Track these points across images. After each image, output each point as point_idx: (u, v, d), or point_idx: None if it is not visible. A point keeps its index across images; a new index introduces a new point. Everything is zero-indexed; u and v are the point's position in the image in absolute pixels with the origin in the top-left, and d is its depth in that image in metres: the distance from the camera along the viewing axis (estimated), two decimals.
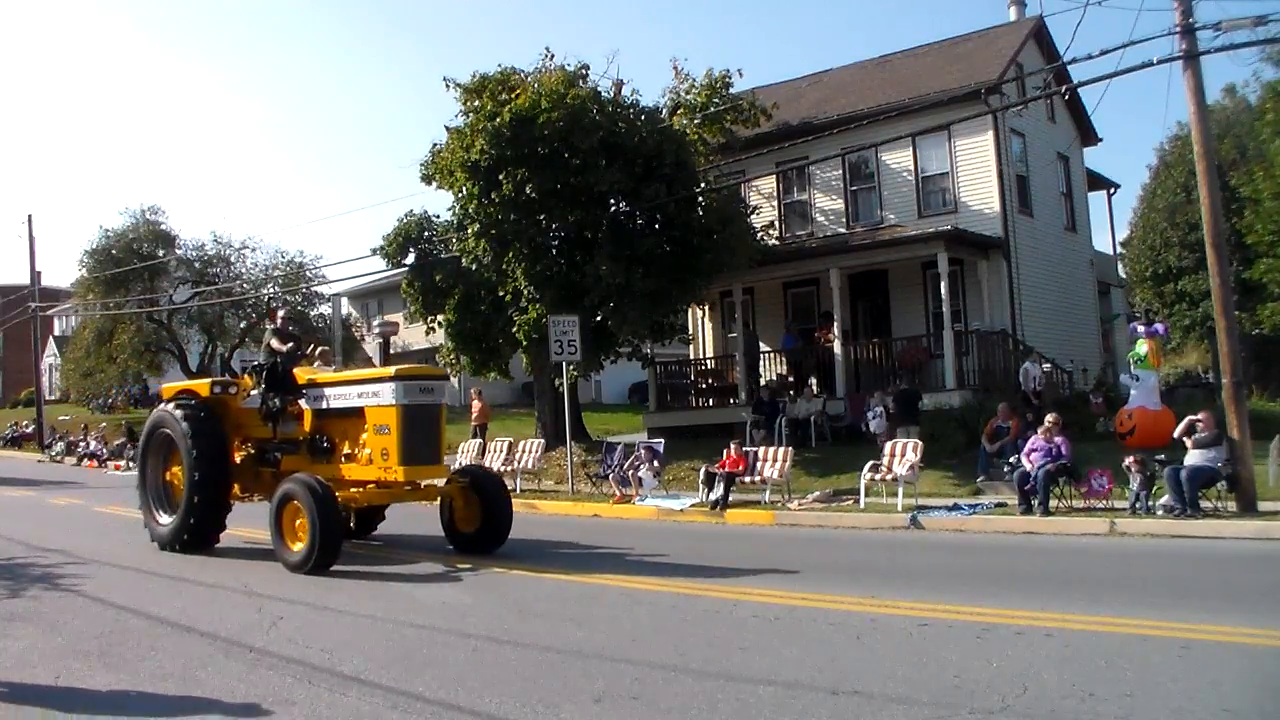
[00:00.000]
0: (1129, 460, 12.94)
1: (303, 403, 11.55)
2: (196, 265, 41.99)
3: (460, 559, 10.65)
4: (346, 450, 11.12)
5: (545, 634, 6.98)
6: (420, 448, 10.48)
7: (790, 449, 16.60)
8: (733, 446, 16.36)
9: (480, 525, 11.08)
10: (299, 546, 9.79)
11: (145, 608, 8.21)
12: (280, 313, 12.60)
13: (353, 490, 10.78)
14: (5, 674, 6.20)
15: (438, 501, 11.51)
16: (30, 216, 40.28)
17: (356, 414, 10.92)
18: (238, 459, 12.01)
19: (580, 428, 22.54)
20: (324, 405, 11.33)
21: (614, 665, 6.06)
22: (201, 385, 12.56)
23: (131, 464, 29.24)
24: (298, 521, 9.85)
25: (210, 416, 11.78)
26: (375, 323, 16.63)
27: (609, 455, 18.57)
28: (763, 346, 23.71)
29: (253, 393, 11.94)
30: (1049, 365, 20.04)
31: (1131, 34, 20.72)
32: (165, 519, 11.85)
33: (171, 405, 11.96)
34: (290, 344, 11.85)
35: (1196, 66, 12.79)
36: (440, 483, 11.47)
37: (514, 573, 9.66)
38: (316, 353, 12.44)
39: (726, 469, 15.75)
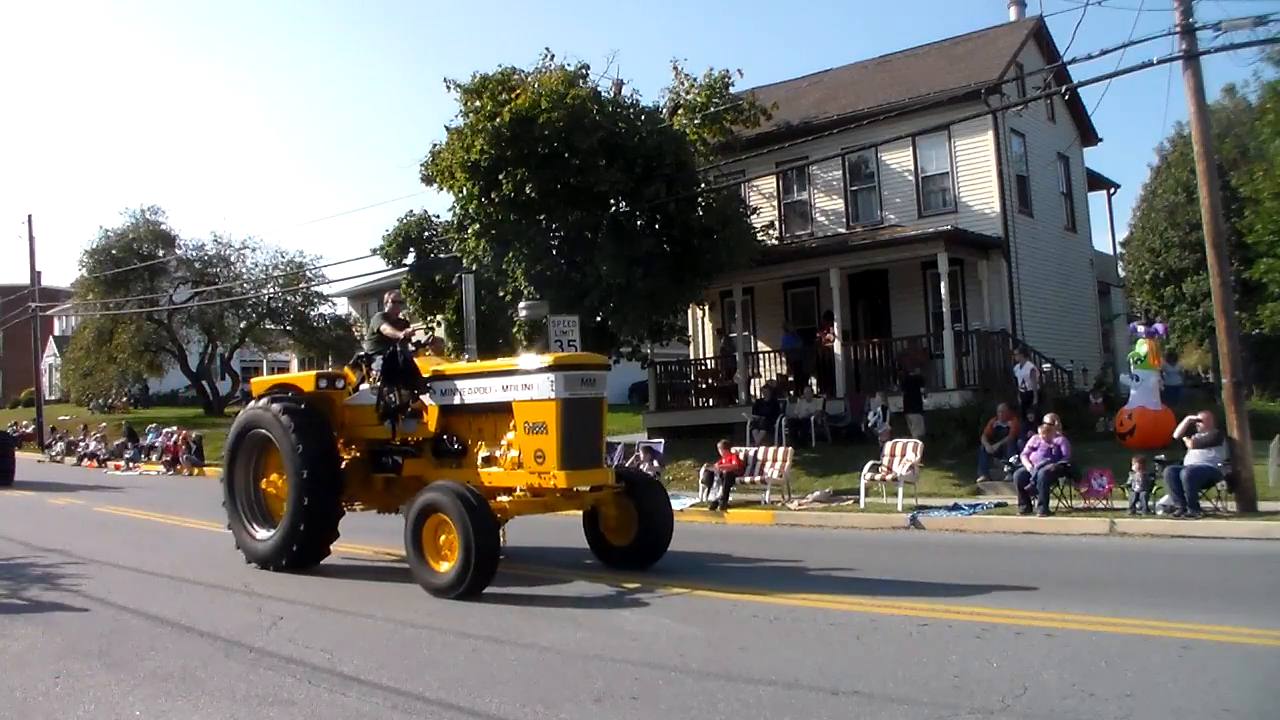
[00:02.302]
0: (1136, 461, 12.92)
1: (426, 398, 10.11)
2: (196, 265, 42.00)
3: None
4: (484, 452, 9.69)
5: (545, 633, 6.98)
6: (582, 449, 9.06)
7: (790, 449, 16.61)
8: (720, 445, 16.36)
9: (636, 537, 9.69)
10: (446, 567, 8.44)
11: (145, 608, 8.21)
12: (389, 296, 11.22)
13: (501, 499, 9.17)
14: (5, 674, 6.21)
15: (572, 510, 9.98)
16: (30, 216, 40.29)
17: (500, 410, 9.51)
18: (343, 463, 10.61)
19: None
20: (456, 400, 9.90)
21: (614, 665, 6.06)
22: (304, 379, 11.06)
23: (131, 464, 29.39)
24: (443, 538, 8.54)
25: (317, 415, 10.30)
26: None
27: (609, 455, 18.54)
28: (763, 346, 23.73)
29: (363, 387, 10.59)
30: (1048, 365, 20.04)
31: (1131, 34, 20.72)
32: (263, 533, 10.38)
33: (269, 402, 10.38)
34: (408, 330, 10.44)
35: (1196, 66, 12.80)
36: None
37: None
38: (427, 340, 10.84)
39: (726, 468, 15.75)
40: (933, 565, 9.80)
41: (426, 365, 10.26)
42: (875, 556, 10.81)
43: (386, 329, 10.36)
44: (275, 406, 10.18)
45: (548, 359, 9.32)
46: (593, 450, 9.27)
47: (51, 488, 22.44)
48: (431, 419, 10.09)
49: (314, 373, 11.16)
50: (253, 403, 10.91)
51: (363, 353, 10.79)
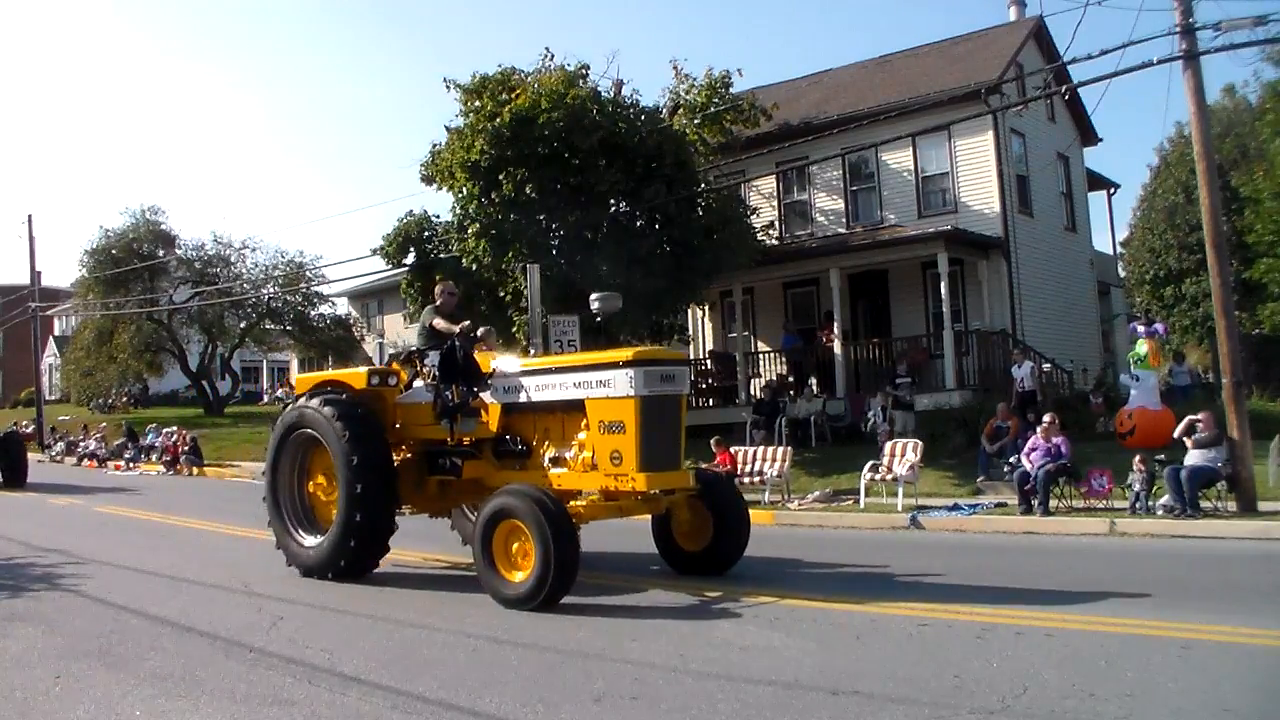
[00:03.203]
0: (1138, 461, 12.91)
1: (487, 395, 9.47)
2: (196, 265, 42.01)
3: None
4: (552, 453, 9.16)
5: (545, 633, 6.98)
6: (661, 449, 8.49)
7: (790, 449, 16.61)
8: (713, 443, 16.37)
9: (711, 542, 9.14)
10: (521, 577, 7.90)
11: (145, 608, 8.21)
12: (440, 287, 10.72)
13: (575, 504, 8.61)
14: (5, 674, 6.21)
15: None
16: (30, 216, 40.29)
17: (570, 408, 8.94)
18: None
19: None
20: (521, 398, 9.26)
21: (614, 665, 6.07)
22: (355, 376, 10.29)
23: (131, 464, 29.39)
24: (516, 545, 8.02)
25: (370, 414, 9.68)
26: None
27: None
28: (763, 346, 23.73)
29: (415, 384, 10.04)
30: (1048, 365, 20.05)
31: (1131, 34, 20.76)
32: (310, 540, 9.76)
33: (317, 401, 9.72)
34: (465, 324, 9.67)
35: (1196, 66, 12.80)
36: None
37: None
38: (480, 333, 10.01)
39: (726, 468, 15.75)
40: (933, 565, 9.80)
41: (486, 361, 9.62)
42: (875, 556, 10.81)
43: (439, 323, 9.83)
44: (326, 408, 9.51)
45: (626, 353, 8.69)
46: (672, 451, 8.70)
47: (52, 489, 22.39)
48: (493, 418, 9.47)
49: (365, 369, 10.47)
50: (299, 401, 10.23)
51: (414, 347, 10.26)
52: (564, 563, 7.67)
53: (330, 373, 10.47)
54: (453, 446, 9.60)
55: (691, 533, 9.26)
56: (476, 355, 9.63)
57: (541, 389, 9.11)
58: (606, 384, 8.55)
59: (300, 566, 9.67)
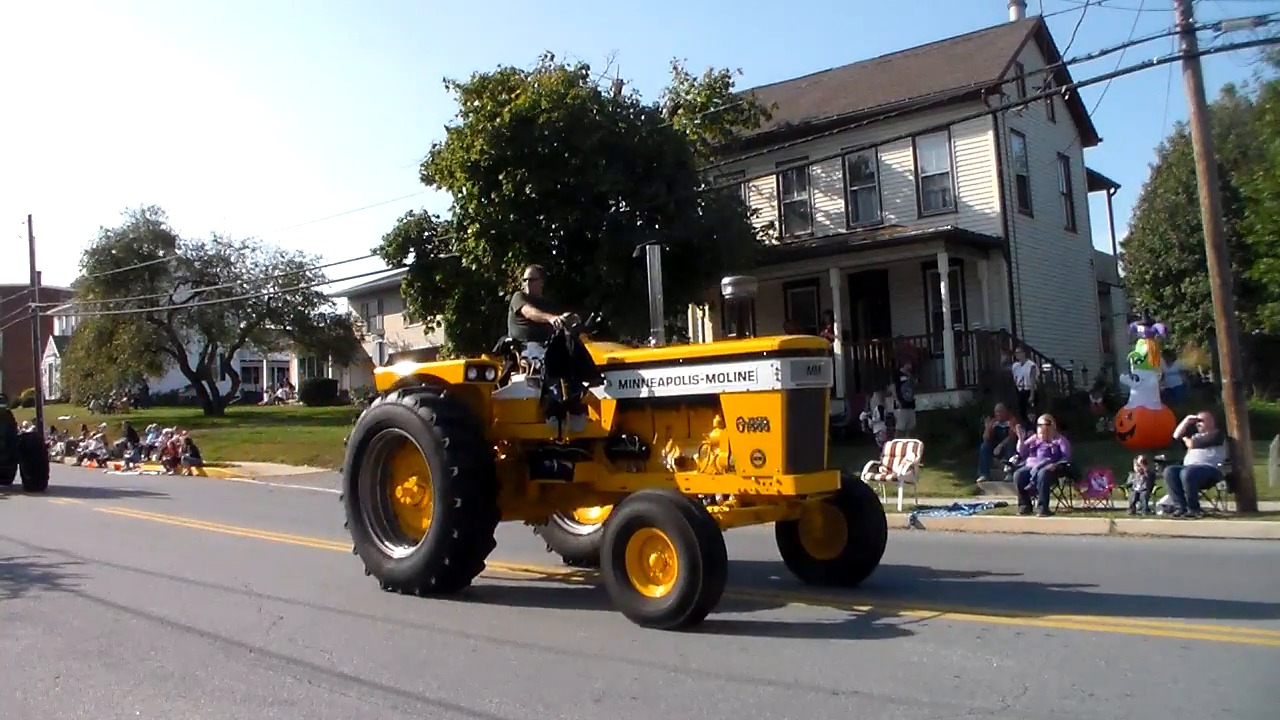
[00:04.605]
0: (1139, 461, 12.92)
1: (600, 390, 8.60)
2: (196, 265, 42.05)
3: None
4: (677, 454, 8.31)
5: (545, 633, 6.98)
6: (807, 448, 7.74)
7: None
8: None
9: (845, 550, 8.38)
10: (662, 592, 7.13)
11: (145, 608, 8.21)
12: (529, 271, 9.94)
13: (712, 509, 7.86)
14: (5, 674, 6.21)
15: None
16: (30, 216, 40.20)
17: (700, 403, 8.15)
18: None
19: None
20: (643, 393, 8.40)
21: (614, 665, 6.07)
22: (450, 369, 9.25)
23: (131, 464, 29.36)
24: (653, 556, 7.25)
25: (471, 417, 8.78)
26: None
27: None
28: None
29: (516, 378, 9.17)
30: (1048, 365, 20.06)
31: (1131, 34, 20.74)
32: (399, 551, 8.84)
33: (411, 400, 8.74)
34: (565, 314, 8.66)
35: (1196, 66, 12.80)
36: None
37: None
38: (586, 323, 9.03)
39: None
40: (933, 565, 9.80)
41: (599, 353, 8.74)
42: None
43: (530, 311, 9.13)
44: (423, 408, 8.55)
45: (772, 342, 7.85)
46: (818, 450, 7.95)
47: (52, 488, 22.38)
48: (606, 415, 8.60)
49: (463, 361, 9.50)
50: (384, 398, 9.18)
51: (506, 339, 9.45)
52: (713, 575, 6.95)
53: (422, 366, 9.62)
54: (562, 447, 8.74)
55: (825, 539, 8.50)
56: (593, 347, 8.81)
57: (666, 383, 8.28)
58: (748, 376, 7.74)
59: (383, 579, 8.80)
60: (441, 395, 8.78)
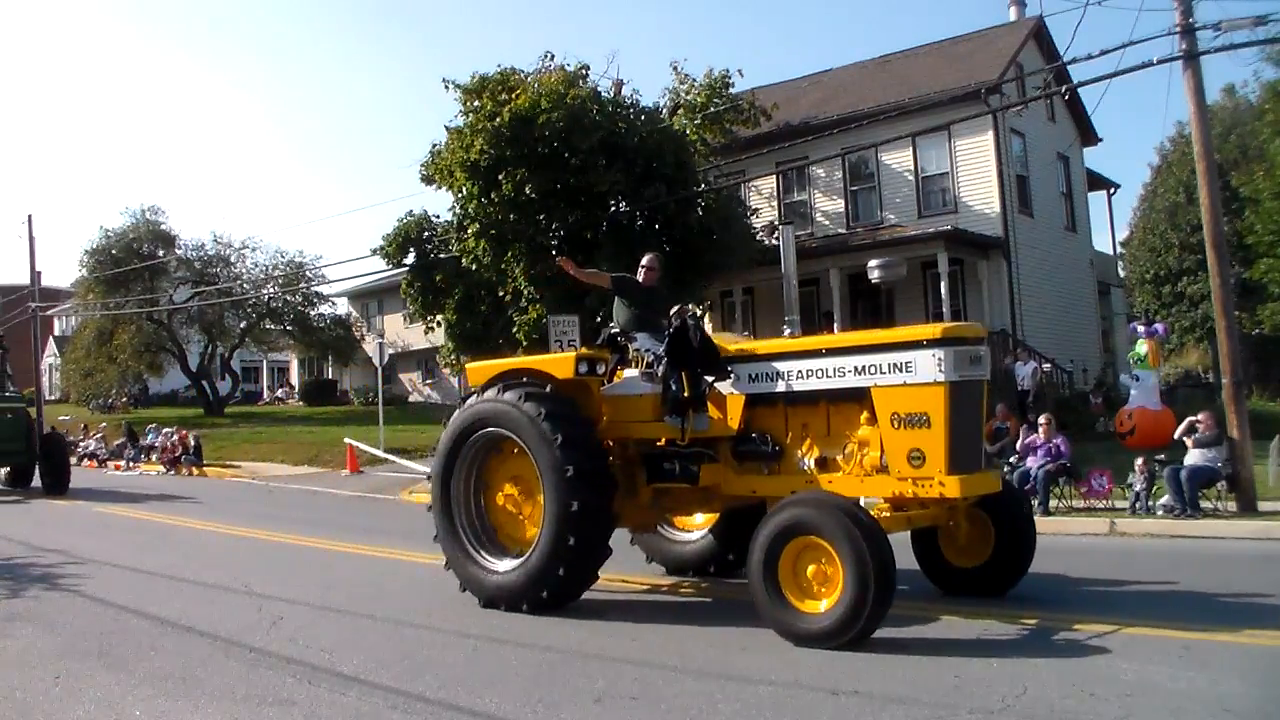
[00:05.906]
0: (1139, 461, 12.91)
1: (726, 385, 7.86)
2: (196, 265, 42.11)
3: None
4: (817, 454, 7.59)
5: (545, 633, 6.98)
6: (968, 447, 7.12)
7: None
8: None
9: (991, 558, 7.62)
10: (823, 607, 6.37)
11: (145, 608, 8.20)
12: (646, 259, 9.20)
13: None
14: (5, 674, 6.21)
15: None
16: (30, 216, 40.14)
17: (844, 398, 7.43)
18: None
19: None
20: (779, 387, 7.64)
21: (614, 665, 6.06)
22: (557, 362, 8.40)
23: (131, 464, 29.35)
24: (811, 568, 6.49)
25: (584, 414, 8.02)
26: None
27: None
28: None
29: (628, 373, 8.50)
30: (1048, 365, 20.06)
31: (1131, 34, 20.73)
32: (501, 564, 8.00)
33: (514, 396, 7.92)
34: (680, 305, 8.06)
35: (1196, 66, 12.80)
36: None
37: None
38: (701, 313, 8.24)
39: None
40: None
41: (725, 343, 8.05)
42: None
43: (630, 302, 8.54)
44: (529, 404, 7.77)
45: (933, 330, 7.23)
46: (977, 449, 7.37)
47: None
48: (733, 412, 7.83)
49: (572, 354, 8.50)
50: (481, 394, 8.35)
51: (611, 330, 8.81)
52: (885, 588, 6.20)
53: (519, 360, 8.81)
54: (684, 448, 8.00)
55: (969, 546, 7.70)
56: (719, 338, 8.16)
57: (805, 376, 7.51)
58: (905, 368, 7.04)
59: (483, 595, 7.93)
60: (551, 392, 8.01)
